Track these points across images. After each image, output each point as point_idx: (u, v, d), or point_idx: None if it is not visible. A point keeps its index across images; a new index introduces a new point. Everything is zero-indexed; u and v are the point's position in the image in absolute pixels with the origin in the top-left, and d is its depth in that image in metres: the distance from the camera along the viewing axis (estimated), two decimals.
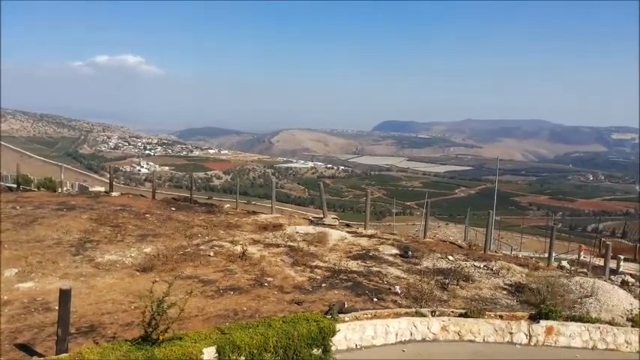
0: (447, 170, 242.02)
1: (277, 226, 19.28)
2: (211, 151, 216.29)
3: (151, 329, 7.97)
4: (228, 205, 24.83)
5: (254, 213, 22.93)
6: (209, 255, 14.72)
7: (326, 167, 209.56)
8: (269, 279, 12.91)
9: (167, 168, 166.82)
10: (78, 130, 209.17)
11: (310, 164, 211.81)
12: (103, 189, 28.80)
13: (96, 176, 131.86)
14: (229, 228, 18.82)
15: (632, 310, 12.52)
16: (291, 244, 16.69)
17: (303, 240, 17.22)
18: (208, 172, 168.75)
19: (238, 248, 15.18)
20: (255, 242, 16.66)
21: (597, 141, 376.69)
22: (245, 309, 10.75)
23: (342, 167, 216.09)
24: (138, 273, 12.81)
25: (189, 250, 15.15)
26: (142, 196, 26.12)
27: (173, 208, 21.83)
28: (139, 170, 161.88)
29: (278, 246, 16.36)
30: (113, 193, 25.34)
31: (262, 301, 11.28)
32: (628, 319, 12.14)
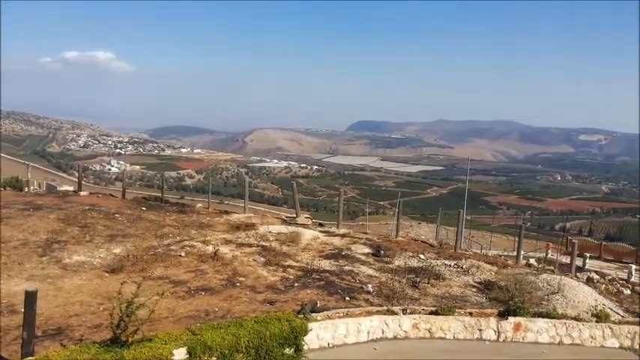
0: (420, 170, 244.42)
1: (250, 226, 19.19)
2: (184, 150, 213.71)
3: (119, 331, 7.85)
4: (200, 205, 24.59)
5: (226, 213, 22.77)
6: (180, 255, 14.56)
7: (300, 167, 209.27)
8: (241, 279, 12.86)
9: (138, 167, 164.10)
10: (46, 128, 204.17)
11: (284, 164, 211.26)
12: (71, 188, 28.17)
13: (64, 175, 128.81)
14: (201, 228, 18.65)
15: (596, 305, 12.91)
16: (264, 243, 16.64)
17: (276, 240, 17.19)
18: (180, 172, 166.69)
19: (210, 248, 15.07)
20: (227, 242, 16.55)
21: (565, 142, 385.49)
22: (217, 309, 10.68)
23: (315, 167, 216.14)
24: (107, 274, 12.60)
25: (159, 250, 14.96)
26: (112, 195, 25.66)
27: (144, 208, 21.52)
28: (109, 169, 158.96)
29: (250, 246, 16.29)
30: (82, 193, 24.81)
31: (234, 302, 11.23)
32: (593, 315, 12.51)
